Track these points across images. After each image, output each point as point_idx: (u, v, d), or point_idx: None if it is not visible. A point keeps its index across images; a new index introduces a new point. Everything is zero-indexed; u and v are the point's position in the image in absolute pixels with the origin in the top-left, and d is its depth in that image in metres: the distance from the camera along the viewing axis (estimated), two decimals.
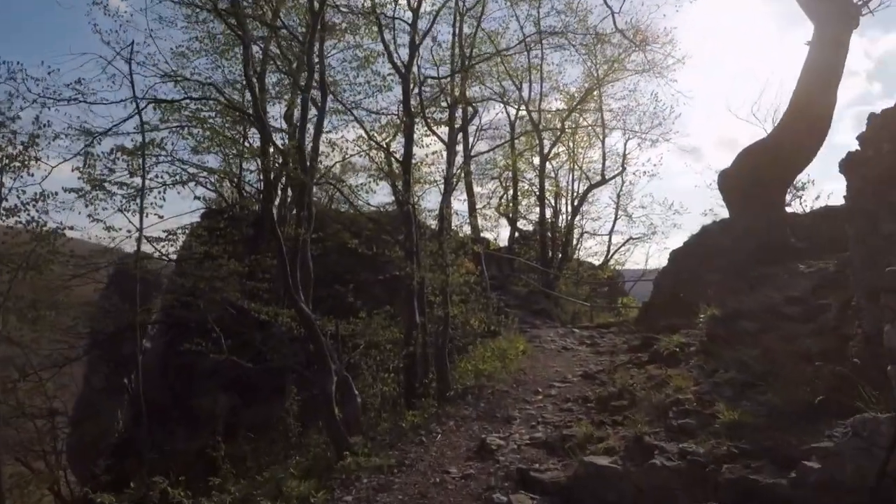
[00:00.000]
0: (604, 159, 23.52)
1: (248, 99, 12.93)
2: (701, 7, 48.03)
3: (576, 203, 24.91)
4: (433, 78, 13.07)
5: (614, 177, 24.01)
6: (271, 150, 9.72)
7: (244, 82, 11.90)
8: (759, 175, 9.33)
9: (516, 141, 23.43)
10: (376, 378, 11.72)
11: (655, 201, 29.92)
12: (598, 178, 23.95)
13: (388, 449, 7.38)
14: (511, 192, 24.62)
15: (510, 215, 24.66)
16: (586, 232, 26.95)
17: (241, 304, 13.55)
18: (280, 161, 9.46)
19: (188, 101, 10.56)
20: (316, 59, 10.23)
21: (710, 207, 28.44)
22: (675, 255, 12.64)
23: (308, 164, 9.41)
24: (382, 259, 12.45)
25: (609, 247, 26.61)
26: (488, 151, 22.69)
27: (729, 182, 9.90)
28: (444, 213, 10.60)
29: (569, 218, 25.20)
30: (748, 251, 8.97)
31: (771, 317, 6.02)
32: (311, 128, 10.21)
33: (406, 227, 10.41)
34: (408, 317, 10.49)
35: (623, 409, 6.24)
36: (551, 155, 23.64)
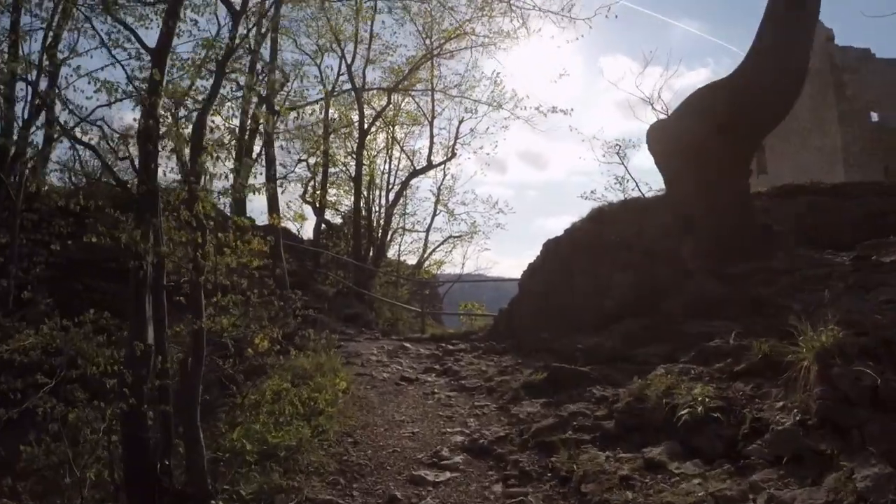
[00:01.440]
0: (431, 143, 20.28)
1: None
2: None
3: (395, 192, 21.36)
4: None
5: (443, 163, 21.11)
6: None
7: None
8: (715, 127, 6.34)
9: (330, 119, 18.99)
10: (80, 452, 6.23)
11: (479, 198, 27.62)
12: (424, 164, 20.65)
13: None
14: (319, 176, 20.20)
15: (317, 204, 20.17)
16: (402, 227, 23.62)
17: None
18: None
19: None
20: None
21: (592, 189, 27.07)
22: (554, 248, 9.39)
23: None
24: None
25: (426, 244, 23.60)
26: (299, 107, 17.48)
27: (667, 139, 6.79)
28: (203, 123, 5.25)
29: (385, 209, 21.58)
30: (714, 238, 5.87)
31: None
32: None
33: (141, 156, 5.26)
34: (133, 333, 5.39)
35: None
36: (372, 130, 19.77)
